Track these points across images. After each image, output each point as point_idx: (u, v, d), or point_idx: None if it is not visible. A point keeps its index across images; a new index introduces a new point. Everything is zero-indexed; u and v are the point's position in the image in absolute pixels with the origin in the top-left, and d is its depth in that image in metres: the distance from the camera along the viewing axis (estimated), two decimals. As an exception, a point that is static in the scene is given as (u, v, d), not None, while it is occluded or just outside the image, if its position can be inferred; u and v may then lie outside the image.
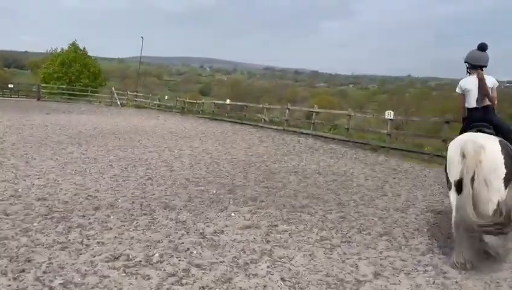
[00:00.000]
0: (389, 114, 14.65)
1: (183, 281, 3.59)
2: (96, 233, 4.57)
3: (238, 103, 27.10)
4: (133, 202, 5.93)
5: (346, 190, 7.62)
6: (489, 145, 4.19)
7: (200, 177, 7.97)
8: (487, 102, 4.83)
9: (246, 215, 5.60)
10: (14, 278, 3.40)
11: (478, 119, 4.83)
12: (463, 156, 4.20)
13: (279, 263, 4.09)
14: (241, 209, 5.87)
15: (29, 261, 3.74)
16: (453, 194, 4.42)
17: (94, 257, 3.93)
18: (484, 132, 4.58)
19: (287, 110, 20.32)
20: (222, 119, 24.09)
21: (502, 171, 4.09)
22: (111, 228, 4.76)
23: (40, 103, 29.67)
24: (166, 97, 36.87)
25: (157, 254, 4.08)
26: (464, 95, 5.01)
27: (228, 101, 26.31)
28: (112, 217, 5.17)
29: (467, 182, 4.06)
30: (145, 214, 5.37)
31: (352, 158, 11.89)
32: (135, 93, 38.56)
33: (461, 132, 4.96)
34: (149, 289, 3.41)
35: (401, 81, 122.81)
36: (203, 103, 29.96)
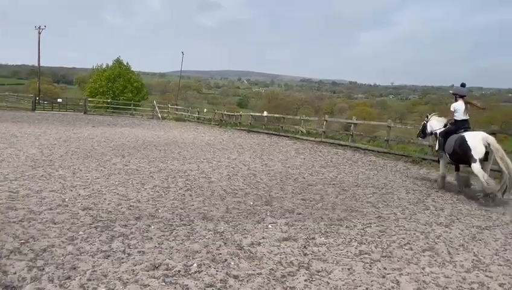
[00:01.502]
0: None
1: (221, 292, 3.62)
2: (138, 242, 4.70)
3: (275, 115, 27.17)
4: (172, 212, 6.06)
5: (386, 203, 7.44)
6: (492, 137, 8.06)
7: (238, 188, 8.04)
8: (467, 116, 8.69)
9: (283, 228, 5.59)
10: (60, 285, 3.55)
11: (464, 125, 8.61)
12: (488, 145, 7.76)
13: (317, 276, 4.04)
14: (278, 221, 5.86)
15: (74, 268, 3.90)
16: (477, 164, 7.79)
17: (135, 265, 4.05)
18: (469, 129, 8.53)
19: (325, 122, 20.15)
20: (259, 131, 24.20)
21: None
22: (151, 238, 4.89)
23: (86, 117, 31.01)
24: (205, 110, 37.56)
25: (195, 264, 4.15)
26: (454, 112, 8.70)
27: (265, 113, 26.44)
28: (152, 227, 5.31)
29: (491, 155, 7.81)
30: (184, 225, 5.48)
31: (393, 171, 11.60)
32: (175, 107, 39.58)
33: (451, 132, 8.66)
34: (187, 298, 3.46)
35: (443, 91, 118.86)
36: (240, 115, 30.25)
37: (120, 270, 3.90)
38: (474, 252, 4.99)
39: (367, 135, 19.60)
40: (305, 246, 4.88)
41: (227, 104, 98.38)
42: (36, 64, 48.84)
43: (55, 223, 5.19)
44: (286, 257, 4.49)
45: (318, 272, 4.15)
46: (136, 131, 20.67)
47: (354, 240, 5.21)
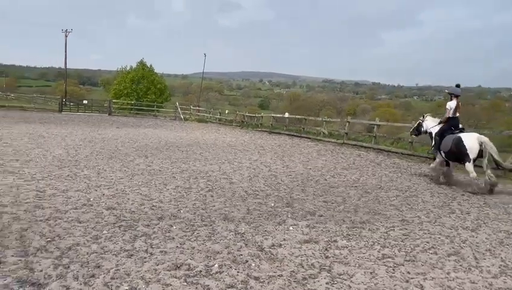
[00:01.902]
0: (457, 126, 13.84)
1: (242, 293, 3.62)
2: (160, 242, 4.76)
3: (297, 116, 27.06)
4: (194, 213, 6.11)
5: (410, 206, 7.30)
6: (486, 138, 8.86)
7: (259, 190, 8.04)
8: (458, 114, 9.61)
9: (304, 230, 5.55)
10: (85, 283, 3.63)
11: (455, 122, 9.55)
12: (481, 144, 8.66)
13: (339, 279, 4.00)
14: (299, 223, 5.83)
15: (98, 267, 3.98)
16: (471, 164, 8.81)
17: (157, 265, 4.09)
18: (464, 130, 9.59)
19: (347, 123, 19.95)
20: (280, 132, 24.16)
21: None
22: (173, 238, 4.94)
23: (110, 118, 31.62)
24: (226, 111, 37.76)
25: (216, 265, 4.16)
26: (449, 110, 9.53)
27: (287, 115, 26.37)
28: (174, 227, 5.36)
29: (486, 152, 8.63)
30: (205, 225, 5.51)
31: (417, 173, 11.38)
32: (197, 108, 39.90)
33: (445, 129, 9.57)
34: (208, 299, 3.47)
35: (470, 92, 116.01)
36: (261, 116, 30.26)
37: (143, 270, 3.96)
38: (501, 258, 4.84)
39: (390, 137, 19.29)
40: (326, 249, 4.84)
41: (249, 105, 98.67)
42: (63, 67, 50.18)
43: (80, 222, 5.30)
44: (307, 259, 4.47)
45: (340, 275, 4.11)
46: (159, 132, 20.95)
47: (376, 244, 5.13)
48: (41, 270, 3.80)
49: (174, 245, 4.68)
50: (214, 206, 6.58)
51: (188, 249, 4.60)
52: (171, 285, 3.67)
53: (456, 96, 9.50)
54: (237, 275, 3.97)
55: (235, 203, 6.87)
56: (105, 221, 5.44)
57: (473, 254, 4.92)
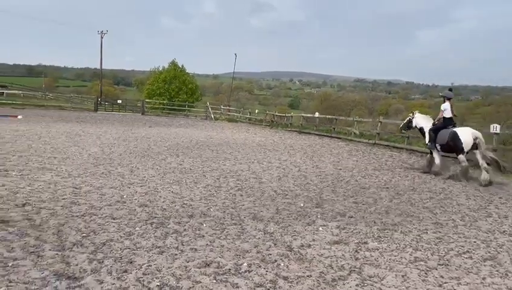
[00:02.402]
0: (495, 128, 13.29)
1: (270, 292, 3.63)
2: (190, 239, 4.83)
3: (328, 116, 26.79)
4: (224, 211, 6.17)
5: (444, 209, 7.09)
6: (479, 133, 9.87)
7: (288, 189, 8.02)
8: (452, 115, 10.42)
9: (334, 231, 5.50)
10: (118, 278, 3.73)
11: (450, 122, 10.37)
12: (476, 138, 9.62)
13: (369, 282, 3.94)
14: (329, 224, 5.78)
15: (131, 262, 4.08)
16: (463, 156, 9.84)
17: (188, 262, 4.16)
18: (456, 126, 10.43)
19: (379, 123, 19.58)
20: (310, 132, 23.99)
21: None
22: (203, 236, 5.00)
23: (143, 117, 32.32)
24: (256, 111, 37.83)
25: (245, 264, 4.19)
26: (443, 111, 10.42)
27: (317, 114, 26.13)
28: (204, 225, 5.43)
29: (480, 147, 9.65)
30: (234, 224, 5.55)
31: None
32: (228, 108, 40.19)
33: (439, 128, 10.46)
34: (237, 297, 3.50)
35: (509, 92, 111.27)
36: (291, 116, 30.14)
37: (173, 266, 4.03)
38: (542, 265, 4.62)
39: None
40: (356, 251, 4.78)
41: (279, 105, 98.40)
42: (98, 67, 51.81)
43: (114, 219, 5.45)
44: (337, 261, 4.42)
45: (370, 277, 4.05)
46: (190, 131, 21.25)
47: (409, 246, 5.02)
48: (76, 265, 3.93)
49: (204, 243, 4.74)
50: (244, 205, 6.62)
51: (217, 247, 4.65)
52: (200, 282, 3.72)
53: (449, 99, 10.54)
54: (266, 274, 3.98)
55: (264, 202, 6.88)
56: (137, 218, 5.57)
57: (511, 259, 4.73)
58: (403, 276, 4.10)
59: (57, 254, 4.15)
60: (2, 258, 3.94)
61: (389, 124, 23.64)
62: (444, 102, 10.55)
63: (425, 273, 4.20)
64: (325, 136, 22.18)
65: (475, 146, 9.82)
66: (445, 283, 4.00)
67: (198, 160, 11.18)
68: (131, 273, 3.83)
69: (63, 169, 8.61)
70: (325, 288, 3.75)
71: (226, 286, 3.69)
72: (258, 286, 3.72)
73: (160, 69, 51.09)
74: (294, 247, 4.78)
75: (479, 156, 9.83)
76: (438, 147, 10.56)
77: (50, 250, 4.24)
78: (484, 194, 8.55)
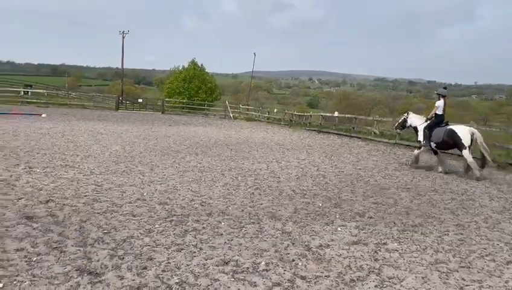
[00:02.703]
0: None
1: (288, 291, 3.63)
2: (209, 238, 4.87)
3: (347, 115, 26.57)
4: (242, 210, 6.19)
5: (466, 211, 6.95)
6: (475, 129, 10.53)
7: (306, 189, 7.99)
8: (444, 112, 10.97)
9: (353, 231, 5.46)
10: (138, 274, 3.79)
11: (442, 118, 10.95)
12: (472, 134, 10.14)
13: (388, 283, 3.90)
14: (347, 224, 5.74)
15: (150, 259, 4.14)
16: (467, 150, 10.14)
17: (206, 260, 4.19)
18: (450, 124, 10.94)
19: (400, 123, 19.28)
20: (329, 131, 23.83)
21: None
22: (222, 234, 5.03)
23: (163, 116, 32.67)
24: (275, 110, 37.79)
25: (263, 263, 4.20)
26: (437, 108, 10.98)
27: (336, 114, 25.95)
28: (222, 223, 5.46)
29: (475, 142, 10.17)
30: (253, 223, 5.57)
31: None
32: (246, 107, 40.27)
33: (433, 125, 10.98)
34: (255, 295, 3.51)
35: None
36: (310, 115, 30.00)
37: (192, 264, 4.07)
38: None
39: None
40: (376, 251, 4.73)
41: (298, 104, 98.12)
42: (120, 67, 52.56)
43: (134, 216, 5.54)
44: (356, 261, 4.39)
45: (389, 278, 4.00)
46: (209, 130, 21.38)
47: (429, 248, 4.94)
48: (98, 260, 4.01)
49: (223, 241, 4.77)
50: (262, 204, 6.63)
51: (235, 245, 4.67)
52: (219, 280, 3.75)
53: (443, 97, 11.17)
54: (284, 273, 3.98)
55: (282, 202, 6.88)
56: (157, 215, 5.64)
57: (537, 263, 4.60)
58: (423, 278, 4.05)
59: (79, 249, 4.25)
60: (26, 253, 4.05)
61: (410, 124, 23.18)
62: (439, 99, 11.17)
63: (446, 276, 4.13)
64: (344, 135, 21.99)
65: (473, 141, 10.36)
66: (467, 285, 3.93)
67: (217, 159, 11.25)
68: (150, 269, 3.88)
69: (85, 167, 8.79)
70: (343, 288, 3.73)
71: (243, 284, 3.71)
72: (276, 285, 3.73)
73: (180, 68, 51.59)
74: (313, 247, 4.76)
75: (471, 151, 10.51)
76: (433, 145, 11.07)
77: (72, 246, 4.33)
78: (508, 196, 8.34)
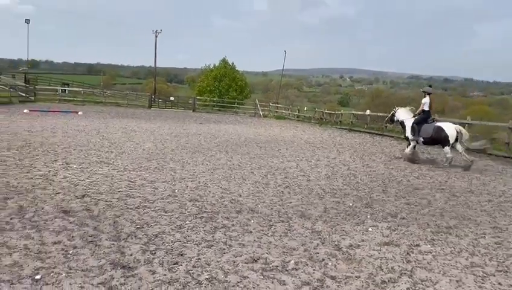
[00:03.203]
0: None
1: (318, 291, 3.60)
2: (238, 235, 4.90)
3: (379, 114, 26.05)
4: (271, 208, 6.19)
5: (504, 213, 6.69)
6: (461, 127, 11.39)
7: (337, 188, 7.91)
8: (430, 108, 11.65)
9: (385, 232, 5.36)
10: (169, 269, 3.86)
11: (429, 115, 11.67)
12: (458, 131, 10.93)
13: (421, 285, 3.80)
14: (379, 225, 5.64)
15: (181, 255, 4.21)
16: (448, 147, 11.05)
17: (236, 257, 4.22)
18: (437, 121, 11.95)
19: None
20: (361, 130, 23.48)
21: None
22: (251, 232, 5.05)
23: (194, 114, 33.10)
24: (305, 108, 37.59)
25: (292, 261, 4.18)
26: (423, 104, 11.60)
27: (368, 112, 25.49)
28: (252, 221, 5.48)
29: (461, 139, 10.95)
30: (282, 221, 5.56)
31: (514, 177, 10.37)
32: (276, 105, 40.21)
33: (421, 121, 11.63)
34: (284, 294, 3.51)
35: None
36: (341, 113, 29.63)
37: (222, 260, 4.11)
38: None
39: (484, 137, 17.78)
40: (408, 253, 4.62)
41: (328, 102, 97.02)
42: (153, 65, 53.63)
43: (165, 212, 5.65)
44: (387, 262, 4.31)
45: (422, 281, 3.90)
46: (239, 128, 21.49)
47: (464, 251, 4.79)
48: (131, 255, 4.11)
49: (252, 239, 4.79)
50: (291, 202, 6.61)
51: (265, 243, 4.68)
52: (248, 277, 3.77)
53: (429, 94, 11.82)
54: (313, 273, 3.95)
55: (312, 200, 6.83)
56: (188, 212, 5.73)
57: None
58: (457, 281, 3.92)
59: (112, 243, 4.37)
60: (63, 246, 4.20)
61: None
62: (425, 96, 11.77)
63: (482, 280, 3.99)
64: (376, 134, 21.61)
65: (457, 138, 11.14)
66: (505, 291, 3.78)
67: (246, 157, 11.29)
68: (181, 265, 3.95)
69: (119, 163, 9.03)
70: (374, 290, 3.67)
71: (273, 282, 3.71)
72: (305, 284, 3.71)
73: (211, 66, 52.05)
74: (343, 247, 4.71)
75: (459, 147, 11.20)
76: (421, 140, 11.70)
77: (106, 240, 4.46)
78: (551, 199, 7.95)
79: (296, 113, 34.30)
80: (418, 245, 4.90)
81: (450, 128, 11.16)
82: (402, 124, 12.50)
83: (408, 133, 12.07)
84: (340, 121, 27.44)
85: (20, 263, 3.72)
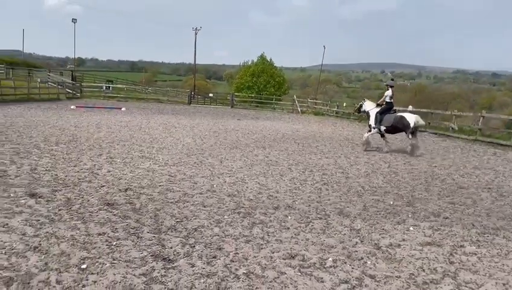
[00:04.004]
0: None
1: (356, 289, 3.55)
2: (275, 231, 4.91)
3: (422, 110, 25.20)
4: (309, 205, 6.16)
5: (558, 215, 6.30)
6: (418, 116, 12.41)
7: (377, 186, 7.74)
8: (392, 100, 12.57)
9: (427, 231, 5.19)
10: (208, 263, 3.93)
11: (391, 105, 12.55)
12: (417, 120, 11.97)
13: (465, 288, 3.67)
14: (421, 224, 5.47)
15: (220, 249, 4.27)
16: (409, 133, 11.97)
17: (273, 253, 4.24)
18: (398, 111, 12.93)
19: (481, 118, 17.98)
20: (403, 126, 22.80)
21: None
22: (288, 228, 5.05)
23: (233, 110, 33.40)
24: (344, 104, 36.92)
25: (330, 259, 4.15)
26: (385, 96, 12.56)
27: (410, 108, 24.69)
28: (289, 217, 5.48)
29: (417, 127, 12.21)
30: (320, 218, 5.51)
31: None
32: (315, 101, 39.80)
33: (384, 111, 12.57)
34: (322, 291, 3.48)
35: None
36: (382, 109, 28.86)
37: (259, 256, 4.13)
38: None
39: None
40: (451, 254, 4.46)
41: (369, 98, 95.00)
42: (192, 62, 54.53)
43: (204, 206, 5.74)
44: (429, 263, 4.18)
45: (466, 283, 3.76)
46: (277, 124, 21.46)
47: (513, 254, 4.56)
48: (171, 247, 4.22)
49: (289, 235, 4.79)
50: (329, 200, 6.54)
51: (302, 240, 4.66)
52: (285, 273, 3.77)
53: (391, 87, 12.73)
54: (352, 271, 3.90)
55: (350, 198, 6.73)
56: (226, 207, 5.80)
57: None
58: (504, 285, 3.75)
59: (154, 236, 4.50)
60: (107, 238, 4.37)
61: (493, 119, 21.57)
62: (388, 89, 12.77)
63: (533, 285, 3.79)
64: (419, 131, 20.92)
65: (416, 126, 12.18)
66: (558, 297, 3.57)
67: (284, 153, 11.27)
68: (219, 259, 4.01)
69: (160, 158, 9.26)
70: (414, 291, 3.57)
71: (310, 279, 3.70)
72: (343, 282, 3.67)
73: (249, 63, 52.20)
74: (383, 246, 4.61)
75: (416, 134, 12.37)
76: (382, 128, 12.65)
77: (148, 232, 4.60)
78: None
79: (335, 109, 33.79)
80: (462, 246, 4.72)
81: (410, 117, 12.17)
82: (368, 114, 13.47)
83: (371, 122, 12.98)
84: (380, 117, 26.76)
85: (68, 253, 3.90)
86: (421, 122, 12.61)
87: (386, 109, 12.72)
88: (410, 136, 12.23)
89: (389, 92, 12.65)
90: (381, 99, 13.12)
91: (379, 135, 13.18)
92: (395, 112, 12.65)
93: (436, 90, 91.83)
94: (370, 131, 13.07)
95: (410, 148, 12.25)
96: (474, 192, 7.65)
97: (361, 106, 14.09)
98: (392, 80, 13.60)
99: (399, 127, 12.28)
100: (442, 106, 53.27)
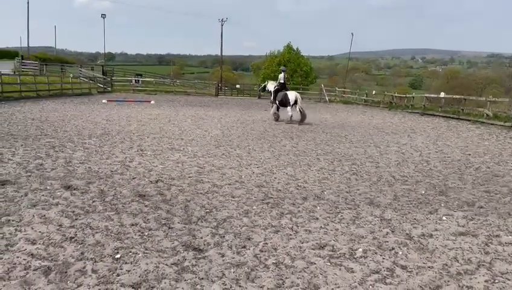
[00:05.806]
0: None
1: (387, 280, 3.51)
2: (304, 221, 4.90)
3: (455, 96, 24.44)
4: (338, 195, 6.11)
5: None
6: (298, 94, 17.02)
7: (408, 175, 7.59)
8: (284, 81, 17.72)
9: (460, 221, 5.06)
10: (237, 253, 3.97)
11: (284, 86, 17.53)
12: (296, 96, 16.44)
13: (501, 279, 3.56)
14: (454, 214, 5.34)
15: (249, 239, 4.31)
16: (289, 107, 16.32)
17: (302, 243, 4.24)
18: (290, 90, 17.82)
19: (518, 103, 17.24)
20: (434, 114, 22.21)
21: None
22: (317, 218, 5.03)
23: (259, 101, 33.31)
24: (373, 92, 36.22)
25: (360, 249, 4.11)
26: (280, 79, 17.70)
27: (442, 94, 23.99)
28: (318, 207, 5.45)
29: (297, 103, 16.35)
30: (349, 208, 5.46)
31: None
32: (343, 89, 39.23)
33: (278, 90, 17.21)
34: (352, 282, 3.47)
35: None
36: (413, 97, 28.19)
37: (288, 246, 4.14)
38: None
39: None
40: (487, 244, 4.34)
41: (398, 85, 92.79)
42: (219, 54, 54.68)
43: (233, 197, 5.79)
44: (463, 253, 4.08)
45: (502, 274, 3.65)
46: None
47: (553, 244, 4.38)
48: (201, 238, 4.29)
49: (318, 225, 4.77)
50: (359, 189, 6.46)
51: (331, 230, 4.64)
52: (315, 264, 3.77)
53: (284, 71, 17.75)
54: (382, 261, 3.86)
55: (381, 188, 6.63)
56: (254, 197, 5.83)
57: None
58: (544, 277, 3.61)
59: (184, 226, 4.58)
60: (140, 228, 4.48)
61: (531, 104, 20.59)
62: (281, 73, 17.61)
63: None
64: (451, 118, 20.35)
65: (295, 102, 16.03)
66: None
67: (312, 143, 11.20)
68: (249, 249, 4.04)
69: (189, 150, 9.39)
70: (448, 281, 3.50)
71: (340, 269, 3.68)
72: (374, 273, 3.63)
73: (276, 53, 51.90)
74: (414, 236, 4.53)
75: (296, 107, 16.08)
76: (277, 102, 16.66)
77: (179, 223, 4.68)
78: None
79: (364, 98, 33.22)
80: (498, 236, 4.58)
81: (290, 94, 16.13)
82: (270, 92, 17.66)
83: (272, 98, 17.35)
84: (411, 105, 26.15)
85: (102, 243, 4.03)
86: (299, 98, 16.36)
87: (279, 88, 17.05)
88: (292, 108, 16.08)
89: (281, 76, 17.37)
90: (277, 82, 17.60)
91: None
92: (285, 91, 16.64)
93: (469, 75, 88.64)
94: (272, 106, 17.22)
95: (291, 116, 16.17)
96: (511, 180, 7.38)
97: (265, 86, 18.62)
98: (285, 65, 18.30)
99: (283, 101, 16.29)
100: (476, 91, 51.48)
